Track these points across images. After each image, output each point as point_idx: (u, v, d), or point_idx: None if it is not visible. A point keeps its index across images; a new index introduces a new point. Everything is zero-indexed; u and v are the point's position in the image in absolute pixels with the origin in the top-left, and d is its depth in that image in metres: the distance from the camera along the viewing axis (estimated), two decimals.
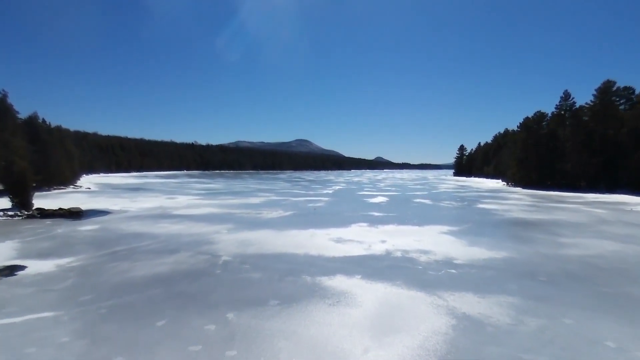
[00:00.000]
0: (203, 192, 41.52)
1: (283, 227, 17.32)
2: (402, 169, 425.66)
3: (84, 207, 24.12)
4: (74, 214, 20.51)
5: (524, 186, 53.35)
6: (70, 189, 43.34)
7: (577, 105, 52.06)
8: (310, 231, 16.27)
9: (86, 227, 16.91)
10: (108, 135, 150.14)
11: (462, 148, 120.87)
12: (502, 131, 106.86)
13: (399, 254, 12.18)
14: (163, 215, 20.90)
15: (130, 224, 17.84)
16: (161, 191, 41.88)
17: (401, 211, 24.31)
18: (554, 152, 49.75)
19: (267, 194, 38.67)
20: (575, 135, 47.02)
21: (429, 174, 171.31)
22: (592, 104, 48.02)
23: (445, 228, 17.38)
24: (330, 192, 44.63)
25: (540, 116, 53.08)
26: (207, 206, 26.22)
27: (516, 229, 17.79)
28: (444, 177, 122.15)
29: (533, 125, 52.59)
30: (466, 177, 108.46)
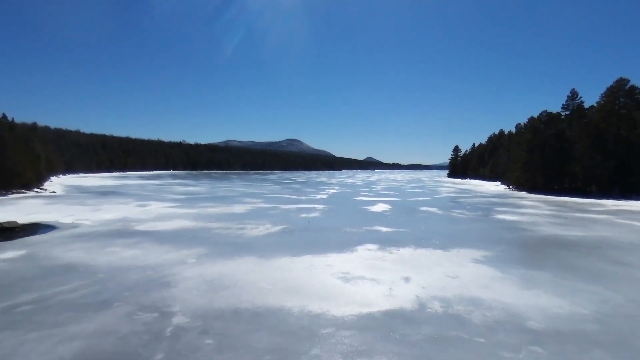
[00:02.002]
0: (182, 197, 37.21)
1: (270, 252, 13.40)
2: (393, 169, 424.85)
3: (28, 219, 19.84)
4: (6, 231, 16.24)
5: (529, 190, 50.29)
6: (33, 193, 38.54)
7: (584, 105, 49.46)
8: (306, 259, 12.41)
9: (6, 253, 12.68)
10: (91, 133, 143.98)
11: (457, 149, 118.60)
12: (497, 132, 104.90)
13: (437, 306, 8.38)
14: (121, 233, 16.74)
15: (71, 247, 13.67)
16: (135, 196, 37.40)
17: (412, 225, 20.59)
18: (562, 154, 46.78)
19: (254, 200, 34.61)
20: (585, 136, 44.09)
21: (422, 175, 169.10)
22: (602, 103, 45.24)
23: (477, 253, 13.68)
24: (325, 197, 40.77)
25: (547, 116, 50.08)
26: (181, 217, 22.09)
27: (565, 253, 14.15)
28: (438, 178, 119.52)
29: (540, 125, 49.53)
30: (461, 178, 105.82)
